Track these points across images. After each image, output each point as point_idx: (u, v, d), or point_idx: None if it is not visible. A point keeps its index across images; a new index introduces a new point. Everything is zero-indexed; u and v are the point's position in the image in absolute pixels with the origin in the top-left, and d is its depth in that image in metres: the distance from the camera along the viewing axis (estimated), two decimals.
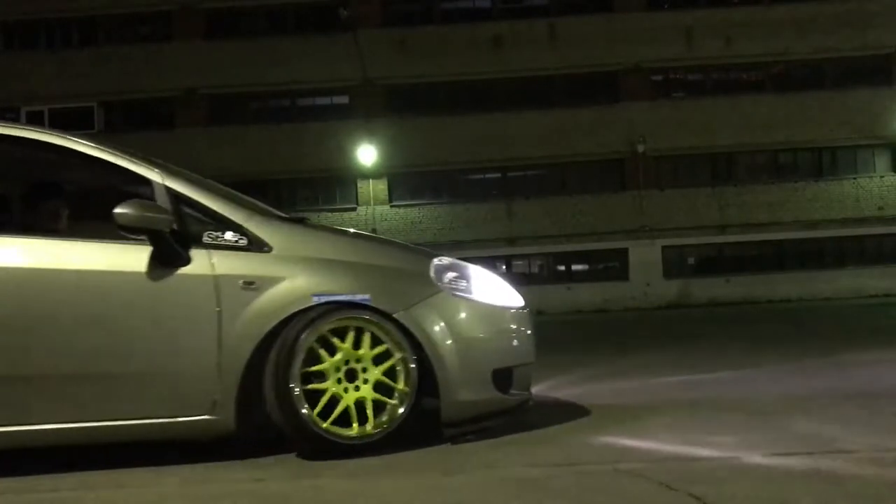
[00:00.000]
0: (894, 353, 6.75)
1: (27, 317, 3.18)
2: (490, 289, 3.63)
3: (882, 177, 26.45)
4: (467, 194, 26.74)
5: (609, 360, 7.23)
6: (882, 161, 26.62)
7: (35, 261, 3.22)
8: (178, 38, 26.94)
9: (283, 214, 3.75)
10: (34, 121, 23.74)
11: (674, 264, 26.39)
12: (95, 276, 3.22)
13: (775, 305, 23.15)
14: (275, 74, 25.97)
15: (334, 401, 3.25)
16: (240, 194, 3.73)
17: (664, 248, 26.17)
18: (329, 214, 25.43)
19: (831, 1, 26.00)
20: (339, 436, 3.22)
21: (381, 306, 3.31)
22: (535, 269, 26.65)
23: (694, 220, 26.05)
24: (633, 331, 13.29)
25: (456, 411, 3.37)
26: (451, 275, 3.52)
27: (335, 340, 3.28)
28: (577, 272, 26.77)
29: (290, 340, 3.21)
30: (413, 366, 3.32)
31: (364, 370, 3.30)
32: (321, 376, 3.25)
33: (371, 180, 26.50)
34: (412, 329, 3.31)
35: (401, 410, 3.29)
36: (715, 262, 26.45)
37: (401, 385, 3.30)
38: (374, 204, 26.59)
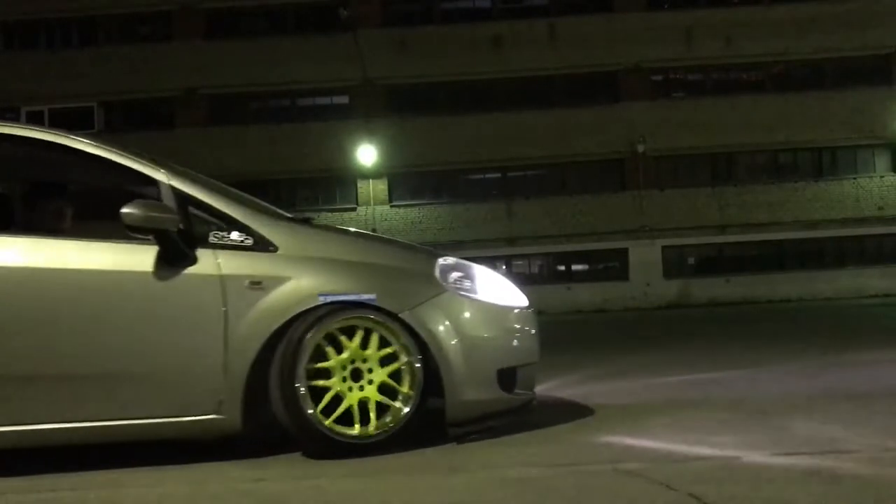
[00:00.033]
0: (894, 353, 6.74)
1: (33, 317, 3.18)
2: (494, 288, 3.64)
3: (882, 177, 26.45)
4: (467, 194, 26.75)
5: (609, 360, 7.23)
6: (882, 161, 26.62)
7: (41, 260, 3.22)
8: (178, 38, 26.95)
9: (289, 214, 3.75)
10: (34, 121, 23.73)
11: (674, 264, 26.40)
12: (101, 275, 3.22)
13: (775, 305, 23.14)
14: (275, 74, 25.98)
15: (338, 399, 3.25)
16: (245, 194, 3.73)
17: (664, 248, 26.18)
18: (329, 214, 25.42)
19: (831, 1, 26.00)
20: (341, 434, 3.22)
21: (386, 306, 3.32)
22: (535, 269, 26.66)
23: (694, 220, 26.05)
24: (632, 331, 13.29)
25: (461, 411, 3.38)
26: (455, 274, 3.53)
27: (342, 339, 3.28)
28: (577, 272, 26.77)
29: (296, 340, 3.22)
30: (418, 365, 3.32)
31: (370, 371, 3.30)
32: (326, 374, 3.26)
33: (371, 180, 26.50)
34: (417, 329, 3.32)
35: (406, 411, 3.30)
36: (715, 262, 26.46)
37: (405, 388, 3.31)
38: (374, 204, 26.59)
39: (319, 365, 3.25)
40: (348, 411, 3.26)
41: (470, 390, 3.38)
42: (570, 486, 2.65)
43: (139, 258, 3.22)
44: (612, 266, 26.60)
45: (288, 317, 3.23)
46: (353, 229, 4.18)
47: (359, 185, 26.71)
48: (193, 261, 3.24)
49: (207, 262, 3.25)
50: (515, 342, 3.61)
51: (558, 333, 12.10)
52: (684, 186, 26.25)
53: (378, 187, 26.64)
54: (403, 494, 2.68)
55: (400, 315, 3.32)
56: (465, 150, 25.79)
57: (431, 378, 3.34)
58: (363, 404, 3.28)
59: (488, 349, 3.47)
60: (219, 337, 3.20)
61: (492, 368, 3.45)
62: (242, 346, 3.20)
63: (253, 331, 3.21)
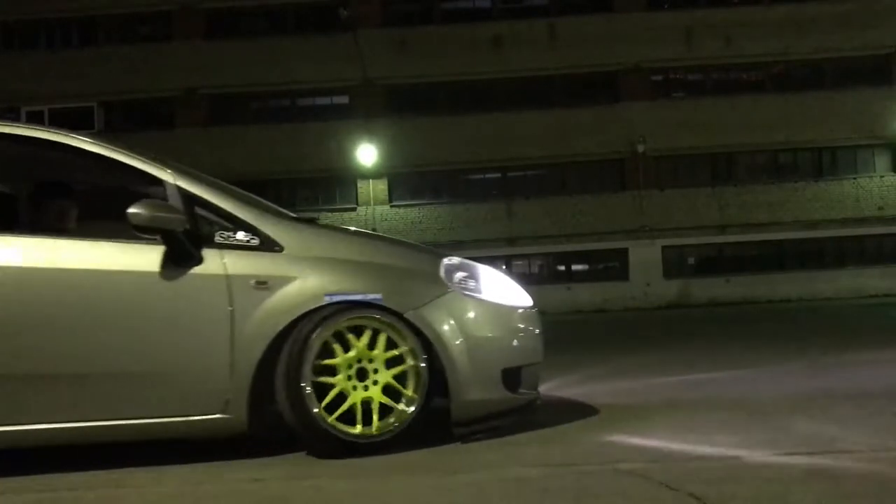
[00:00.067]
0: (894, 353, 6.74)
1: (40, 316, 3.19)
2: (499, 288, 3.65)
3: (882, 177, 26.45)
4: (467, 194, 26.75)
5: (609, 360, 7.23)
6: (882, 161, 26.62)
7: (48, 260, 3.23)
8: (178, 38, 26.95)
9: (293, 214, 3.76)
10: (34, 121, 23.73)
11: (674, 264, 26.40)
12: (108, 275, 3.23)
13: (775, 305, 23.14)
14: (275, 74, 25.98)
15: (343, 397, 3.26)
16: (250, 194, 3.73)
17: (664, 248, 26.18)
18: (329, 214, 25.42)
19: (831, 1, 26.00)
20: (343, 433, 3.22)
21: (392, 306, 3.32)
22: (535, 269, 26.66)
23: (694, 220, 26.06)
24: (632, 331, 13.29)
25: (466, 411, 3.39)
26: (460, 274, 3.54)
27: (350, 337, 3.29)
28: (577, 272, 26.77)
29: (302, 339, 3.22)
30: (423, 365, 3.33)
31: (375, 371, 3.31)
32: (332, 372, 3.26)
33: (371, 180, 26.50)
34: (423, 328, 3.33)
35: (410, 410, 3.30)
36: (715, 262, 26.46)
37: (409, 391, 3.31)
38: (374, 204, 26.59)
39: (326, 361, 3.26)
40: (353, 410, 3.26)
41: (475, 390, 3.39)
42: (570, 486, 2.65)
43: (145, 258, 3.22)
44: (612, 266, 26.60)
45: (294, 316, 3.23)
46: (358, 229, 4.18)
47: (359, 185, 26.71)
48: (199, 261, 3.25)
49: (213, 262, 3.25)
50: (520, 342, 3.62)
51: (558, 333, 12.09)
52: (684, 186, 26.25)
53: (378, 187, 26.65)
54: (403, 494, 2.68)
55: (405, 315, 3.32)
56: (465, 150, 25.79)
57: (436, 378, 3.34)
58: (367, 404, 3.28)
59: (493, 349, 3.48)
60: (225, 336, 3.20)
61: (496, 368, 3.46)
62: (248, 346, 3.21)
63: (259, 330, 3.22)
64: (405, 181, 26.62)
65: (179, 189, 3.32)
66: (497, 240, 25.76)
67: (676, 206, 26.09)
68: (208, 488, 2.89)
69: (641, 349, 8.62)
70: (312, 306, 3.25)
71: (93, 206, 4.12)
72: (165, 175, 3.35)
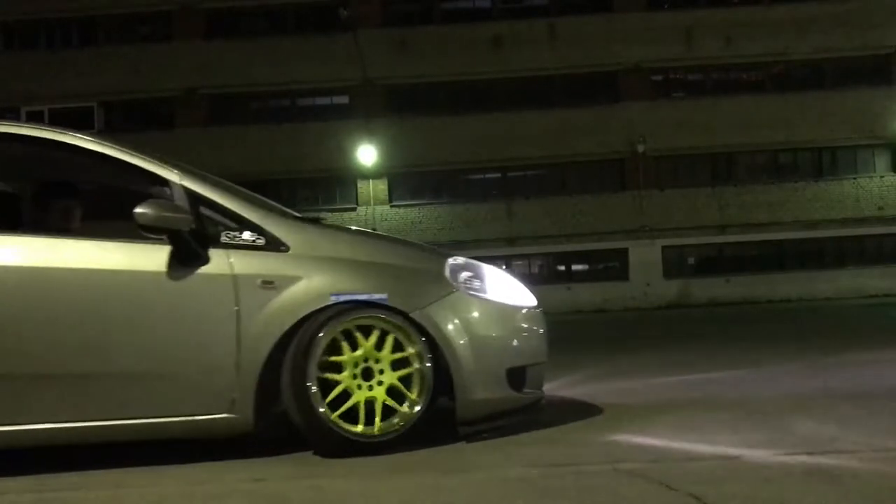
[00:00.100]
0: (894, 353, 6.74)
1: (47, 316, 3.19)
2: (504, 288, 3.66)
3: (882, 177, 26.46)
4: (467, 194, 26.75)
5: (609, 360, 7.23)
6: (882, 161, 26.63)
7: (54, 260, 3.23)
8: (178, 38, 26.95)
9: (298, 214, 3.76)
10: (34, 121, 23.73)
11: (674, 264, 26.40)
12: (114, 275, 3.23)
13: (775, 305, 23.15)
14: (275, 74, 25.98)
15: (347, 395, 3.26)
16: (255, 194, 3.74)
17: (664, 248, 26.18)
18: (329, 214, 25.41)
19: (831, 1, 26.01)
20: (345, 430, 3.22)
21: (397, 305, 3.33)
22: (535, 269, 26.66)
23: (694, 220, 26.06)
24: (633, 331, 13.29)
25: (471, 410, 3.40)
26: (465, 274, 3.54)
27: (358, 335, 3.30)
28: (577, 272, 26.78)
29: (308, 339, 3.23)
30: (429, 365, 3.33)
31: (381, 372, 3.31)
32: (339, 369, 3.27)
33: (371, 180, 26.51)
34: (428, 328, 3.33)
35: (415, 410, 3.31)
36: (715, 262, 26.46)
37: (413, 395, 3.32)
38: (374, 204, 26.60)
39: (333, 358, 3.26)
40: (357, 409, 3.26)
41: (480, 389, 3.39)
42: (570, 487, 2.65)
43: (152, 258, 3.23)
44: (612, 266, 26.60)
45: (300, 316, 3.24)
46: (362, 229, 4.19)
47: (359, 185, 26.72)
48: (206, 260, 3.25)
49: (220, 262, 3.26)
50: (524, 342, 3.63)
51: (558, 333, 12.08)
52: (684, 186, 26.26)
53: (378, 187, 26.65)
54: (403, 494, 2.68)
55: (411, 314, 3.33)
56: (465, 150, 25.79)
57: (440, 377, 3.35)
58: (370, 404, 3.28)
59: (498, 348, 3.49)
60: (231, 336, 3.21)
61: (501, 367, 3.47)
62: (255, 345, 3.21)
63: (265, 330, 3.22)
64: (405, 181, 26.62)
65: (185, 189, 3.32)
66: (497, 240, 25.76)
67: (676, 206, 26.09)
68: (208, 488, 2.89)
69: (641, 349, 8.62)
70: (318, 306, 3.26)
71: (98, 205, 4.13)
72: (171, 175, 3.35)
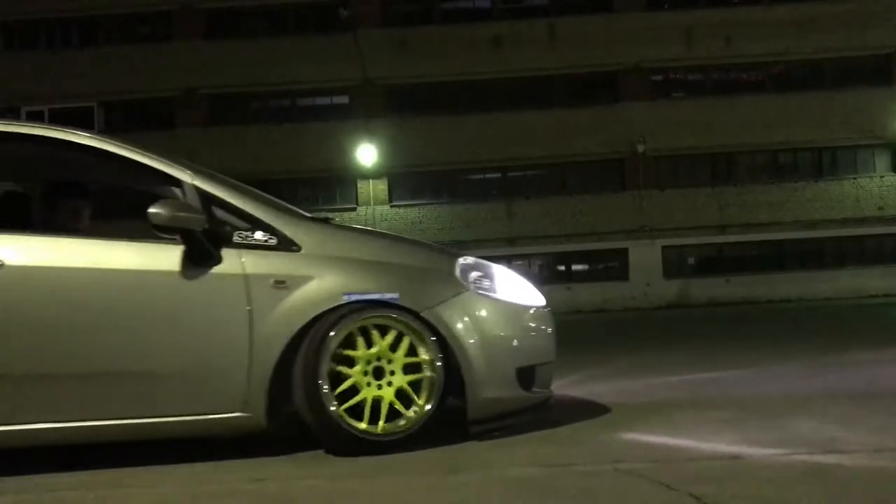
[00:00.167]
0: (894, 352, 6.74)
1: (59, 316, 3.20)
2: (513, 288, 3.68)
3: (882, 177, 26.45)
4: (467, 194, 26.75)
5: (609, 360, 7.23)
6: (882, 161, 26.63)
7: (68, 260, 3.24)
8: (178, 38, 26.95)
9: (308, 214, 3.77)
10: (34, 121, 23.68)
11: (674, 264, 26.40)
12: (126, 275, 3.24)
13: (775, 305, 23.15)
14: (275, 74, 25.98)
15: (355, 391, 3.28)
16: (266, 194, 3.74)
17: (664, 248, 26.18)
18: (329, 214, 25.39)
19: (831, 1, 26.00)
20: (349, 425, 3.23)
21: (408, 305, 3.34)
22: (536, 269, 26.65)
23: (694, 220, 26.06)
24: (633, 331, 13.29)
25: (482, 409, 3.41)
26: (475, 274, 3.56)
27: (374, 332, 3.31)
28: (577, 272, 26.77)
29: (319, 338, 3.24)
30: (440, 364, 3.34)
31: (392, 373, 3.33)
32: (351, 363, 3.28)
33: (371, 180, 26.51)
34: (439, 327, 3.35)
35: (424, 411, 3.32)
36: (715, 262, 26.46)
37: (421, 400, 3.33)
38: (374, 204, 26.60)
39: (347, 352, 3.28)
40: (362, 406, 3.28)
41: (490, 389, 3.41)
42: (571, 486, 2.65)
43: (164, 258, 3.24)
44: (612, 266, 26.60)
45: (312, 315, 3.25)
46: (372, 229, 4.21)
47: (359, 185, 26.72)
48: (218, 260, 3.26)
49: (232, 262, 3.27)
50: (534, 341, 3.66)
51: (559, 334, 12.08)
52: (684, 186, 26.25)
53: (378, 187, 26.65)
54: (403, 494, 2.68)
55: (422, 314, 3.34)
56: (465, 150, 25.79)
57: (451, 376, 3.36)
58: (377, 403, 3.29)
59: (508, 348, 3.51)
60: (244, 336, 3.22)
61: (511, 367, 3.49)
62: (267, 345, 3.22)
63: (277, 329, 3.23)
64: (405, 181, 26.62)
65: (197, 189, 3.33)
66: (497, 240, 25.75)
67: (676, 206, 26.09)
68: (208, 488, 2.89)
69: (641, 349, 8.62)
70: (330, 305, 3.27)
71: (110, 205, 4.14)
72: (183, 175, 3.36)
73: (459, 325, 3.38)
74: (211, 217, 3.30)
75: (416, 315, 3.34)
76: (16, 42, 27.67)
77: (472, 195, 26.70)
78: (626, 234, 26.07)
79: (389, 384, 3.31)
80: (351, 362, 3.29)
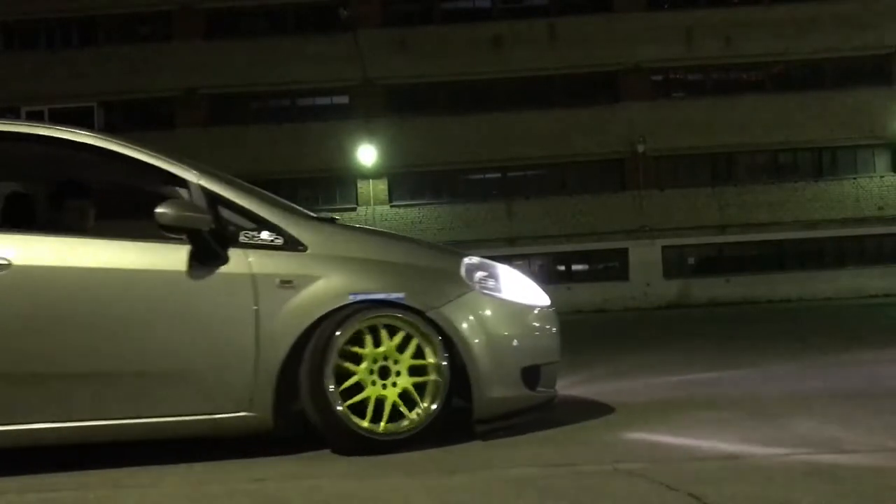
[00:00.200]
0: (894, 353, 6.74)
1: (67, 315, 3.20)
2: (518, 288, 3.69)
3: (882, 177, 26.45)
4: (467, 194, 26.75)
5: (609, 360, 7.23)
6: (882, 161, 26.62)
7: (73, 260, 3.24)
8: (178, 38, 26.95)
9: (314, 214, 3.78)
10: (34, 121, 23.66)
11: (674, 264, 26.40)
12: (134, 274, 3.24)
13: (775, 305, 23.15)
14: (275, 74, 25.98)
15: (360, 388, 3.28)
16: (271, 194, 3.75)
17: (664, 248, 26.18)
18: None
19: (831, 1, 26.00)
20: (356, 425, 3.24)
21: (414, 304, 3.35)
22: (536, 269, 26.64)
23: (694, 220, 26.06)
24: (633, 331, 13.29)
25: (488, 408, 3.42)
26: (480, 274, 3.57)
27: (383, 332, 3.32)
28: (577, 272, 26.77)
29: (326, 338, 3.25)
30: (442, 378, 3.34)
31: (398, 374, 3.33)
32: (358, 360, 3.28)
33: (371, 180, 26.51)
34: (445, 327, 3.36)
35: (430, 411, 3.32)
36: (715, 262, 26.46)
37: (425, 403, 3.33)
38: (374, 204, 26.59)
39: (354, 349, 3.29)
40: (375, 407, 3.28)
41: (496, 388, 3.42)
42: (570, 486, 2.65)
43: (171, 257, 3.24)
44: (612, 266, 26.60)
45: (318, 315, 3.26)
46: (378, 229, 4.21)
47: (359, 185, 26.72)
48: (225, 260, 3.27)
49: (239, 262, 3.28)
50: (538, 341, 3.67)
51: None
52: (684, 186, 26.25)
53: (378, 187, 26.65)
54: (403, 494, 2.68)
55: (428, 314, 3.35)
56: (465, 150, 25.79)
57: (457, 376, 3.37)
58: (381, 402, 3.30)
59: (513, 347, 3.52)
60: (250, 335, 3.23)
61: (517, 366, 3.50)
62: (273, 344, 3.23)
63: (284, 329, 3.24)
64: (405, 181, 26.62)
65: (203, 189, 3.34)
66: (497, 240, 25.74)
67: (676, 206, 26.09)
68: (208, 488, 2.89)
69: (641, 349, 8.62)
70: (336, 305, 3.28)
71: (116, 205, 4.14)
72: (190, 175, 3.37)
73: (465, 325, 3.39)
74: (217, 217, 3.31)
75: (421, 315, 3.35)
76: (16, 42, 27.67)
77: (472, 195, 26.70)
78: (626, 234, 26.07)
79: (394, 385, 3.32)
80: (357, 359, 3.30)
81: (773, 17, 26.07)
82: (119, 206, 4.23)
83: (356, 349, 3.29)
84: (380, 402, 3.29)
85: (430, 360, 3.36)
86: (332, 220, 3.76)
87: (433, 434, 3.37)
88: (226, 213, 3.35)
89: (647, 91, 26.52)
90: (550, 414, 3.79)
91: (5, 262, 3.17)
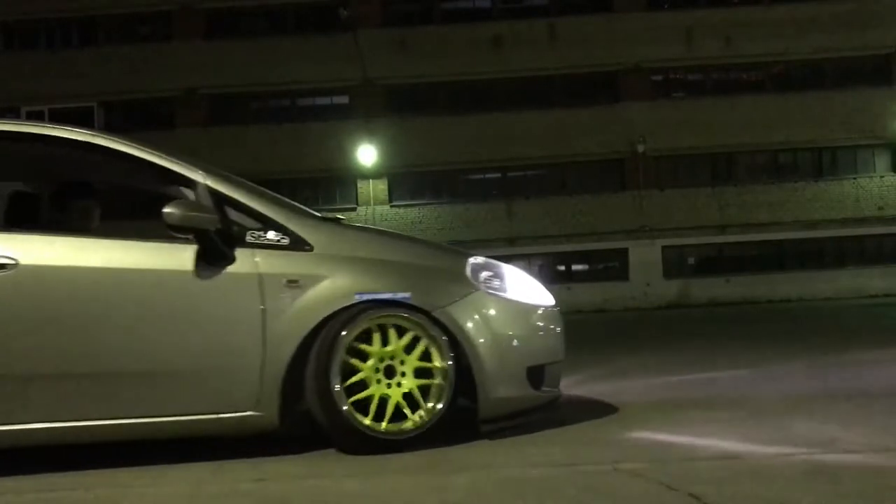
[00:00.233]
0: (894, 353, 6.75)
1: (74, 315, 3.20)
2: (523, 287, 3.70)
3: (882, 177, 26.46)
4: (467, 194, 26.75)
5: (609, 360, 7.23)
6: (882, 161, 26.63)
7: (81, 259, 3.24)
8: (178, 38, 26.95)
9: (319, 214, 3.78)
10: (33, 121, 23.65)
11: (674, 264, 26.40)
12: (141, 274, 3.24)
13: (775, 305, 23.14)
14: (275, 74, 25.98)
15: (364, 385, 3.29)
16: (277, 194, 3.75)
17: (664, 248, 26.18)
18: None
19: (831, 1, 26.01)
20: (361, 424, 3.24)
21: (420, 304, 3.35)
22: (536, 269, 26.63)
23: (694, 220, 26.06)
24: (633, 331, 13.30)
25: (493, 408, 3.43)
26: (486, 273, 3.58)
27: (392, 331, 3.33)
28: (577, 272, 26.78)
29: (332, 337, 3.25)
30: (452, 366, 3.34)
31: (403, 374, 3.34)
32: (364, 357, 3.29)
33: (371, 180, 26.51)
34: (450, 326, 3.36)
35: (435, 411, 3.33)
36: (715, 262, 26.46)
37: (430, 404, 3.34)
38: (374, 204, 26.60)
39: (362, 346, 3.29)
40: (378, 406, 3.29)
41: (501, 387, 3.43)
42: (570, 486, 2.65)
43: (178, 257, 3.25)
44: (612, 266, 26.60)
45: (324, 315, 3.26)
46: (383, 229, 4.21)
47: (359, 185, 26.72)
48: (232, 260, 3.27)
49: (245, 261, 3.28)
50: (543, 340, 3.68)
51: None
52: (684, 186, 26.26)
53: (378, 187, 26.65)
54: (404, 494, 2.68)
55: (433, 313, 3.35)
56: (465, 150, 25.80)
57: (462, 376, 3.37)
58: (384, 401, 3.30)
59: (518, 347, 3.53)
60: (257, 335, 3.23)
61: (522, 366, 3.51)
62: (280, 344, 3.23)
63: (290, 328, 3.25)
64: (405, 181, 26.62)
65: (210, 189, 3.34)
66: (497, 240, 25.75)
67: (676, 206, 26.09)
68: (208, 488, 2.89)
69: (641, 349, 8.63)
70: (342, 305, 3.28)
71: (122, 205, 4.14)
72: (196, 175, 3.37)
73: (470, 325, 3.39)
74: (224, 217, 3.31)
75: (427, 314, 3.35)
76: (16, 42, 27.68)
77: (472, 195, 26.70)
78: (626, 234, 26.08)
79: (399, 385, 3.32)
80: (364, 357, 3.30)
81: (773, 17, 26.08)
82: (127, 205, 4.23)
83: (363, 346, 3.30)
84: (383, 400, 3.30)
85: (437, 363, 3.36)
86: (337, 220, 3.76)
87: (437, 433, 3.37)
88: (232, 212, 3.35)
89: (647, 91, 26.52)
90: (554, 414, 3.80)
91: (12, 262, 3.17)
